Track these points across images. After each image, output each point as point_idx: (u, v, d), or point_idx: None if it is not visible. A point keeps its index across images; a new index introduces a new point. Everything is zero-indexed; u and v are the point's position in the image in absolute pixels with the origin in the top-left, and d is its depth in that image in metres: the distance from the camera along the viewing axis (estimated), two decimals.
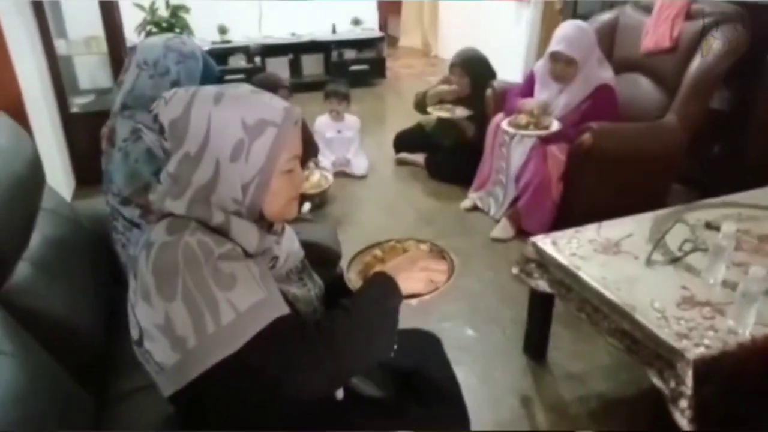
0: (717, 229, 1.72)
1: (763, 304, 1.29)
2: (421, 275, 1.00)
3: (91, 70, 3.76)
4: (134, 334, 0.87)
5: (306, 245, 1.15)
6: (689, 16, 2.70)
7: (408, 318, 2.09)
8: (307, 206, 2.98)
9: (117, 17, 3.26)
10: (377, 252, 1.16)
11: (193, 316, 0.80)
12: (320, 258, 1.46)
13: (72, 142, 3.26)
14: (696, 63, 2.60)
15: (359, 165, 3.54)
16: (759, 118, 2.72)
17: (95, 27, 3.24)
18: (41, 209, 1.39)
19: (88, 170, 3.25)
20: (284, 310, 0.86)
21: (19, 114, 2.46)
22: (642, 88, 2.88)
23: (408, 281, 0.98)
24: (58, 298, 1.24)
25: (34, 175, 1.40)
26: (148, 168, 1.34)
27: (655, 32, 2.80)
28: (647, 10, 2.91)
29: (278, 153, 0.89)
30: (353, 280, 1.08)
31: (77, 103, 3.40)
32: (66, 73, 3.32)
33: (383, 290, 0.95)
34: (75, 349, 1.20)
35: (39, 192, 1.43)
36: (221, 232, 0.87)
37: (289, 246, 1.04)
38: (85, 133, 3.19)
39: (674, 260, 1.60)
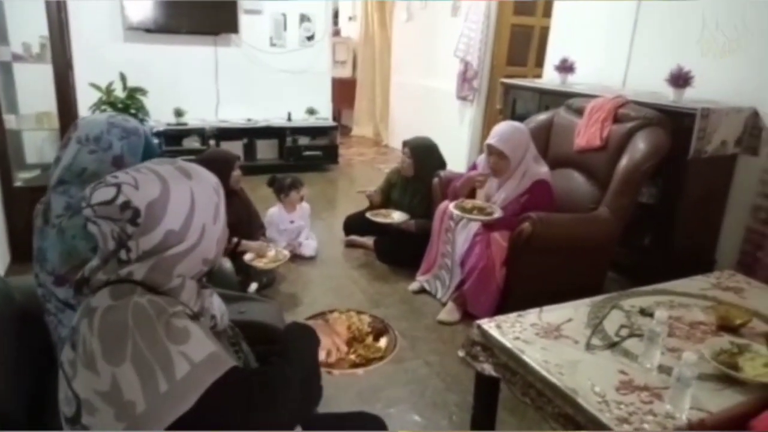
0: (651, 315, 1.81)
1: (696, 389, 1.34)
2: (333, 328, 1.14)
3: (39, 145, 3.72)
4: (68, 411, 0.82)
5: (250, 325, 1.15)
6: (617, 119, 2.96)
7: (353, 402, 2.05)
8: (253, 286, 2.95)
9: (72, 95, 3.29)
10: (320, 321, 1.20)
11: (143, 378, 0.77)
12: (264, 337, 1.43)
13: (11, 216, 3.16)
14: (624, 161, 2.82)
15: (309, 246, 3.57)
16: (682, 213, 2.95)
17: (48, 103, 3.24)
18: None
19: (24, 245, 3.11)
20: (233, 363, 0.86)
21: None
22: (576, 182, 3.09)
23: (324, 335, 1.08)
24: None
25: None
26: (86, 244, 1.30)
27: (586, 132, 3.04)
28: (578, 112, 3.17)
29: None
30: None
31: (21, 178, 3.33)
32: (13, 147, 3.27)
33: (303, 332, 1.06)
34: None
35: None
36: (171, 296, 0.89)
37: (219, 303, 1.09)
38: (26, 208, 3.05)
39: (612, 345, 1.66)
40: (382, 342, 1.22)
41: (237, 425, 0.80)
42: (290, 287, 3.15)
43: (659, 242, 3.05)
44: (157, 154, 1.50)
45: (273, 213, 3.58)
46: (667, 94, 3.07)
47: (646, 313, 1.86)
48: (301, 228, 3.62)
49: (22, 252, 3.13)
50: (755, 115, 2.92)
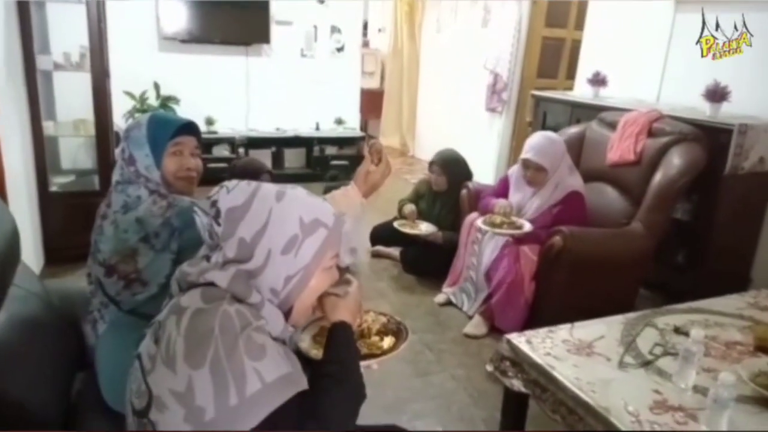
0: (685, 334, 1.77)
1: (733, 411, 1.30)
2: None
3: (75, 152, 3.80)
4: (137, 403, 0.85)
5: None
6: (651, 133, 2.91)
7: (379, 415, 2.03)
8: None
9: (107, 103, 3.36)
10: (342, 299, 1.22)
11: (217, 387, 0.79)
12: None
13: (46, 220, 3.23)
14: (658, 176, 2.77)
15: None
16: (717, 230, 2.88)
17: (85, 110, 3.33)
18: (12, 285, 1.36)
19: (58, 249, 3.20)
20: (305, 386, 0.88)
21: None
22: (608, 196, 3.04)
23: (348, 312, 1.10)
24: (16, 379, 1.18)
25: (10, 251, 1.38)
26: (136, 236, 1.36)
27: (620, 146, 3.00)
28: (611, 126, 3.13)
29: (325, 252, 0.98)
30: (305, 340, 1.19)
31: (57, 183, 3.41)
32: (50, 152, 3.36)
33: (351, 342, 1.06)
34: None
35: (13, 268, 1.41)
36: (255, 309, 0.91)
37: (292, 341, 1.12)
38: (60, 212, 3.18)
39: (645, 363, 1.62)
40: (386, 341, 1.23)
41: None
42: None
43: (693, 259, 2.98)
44: (175, 126, 1.45)
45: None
46: (702, 109, 3.01)
47: (680, 331, 1.81)
48: None
49: (56, 255, 3.20)
50: None
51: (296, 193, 0.99)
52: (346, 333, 1.06)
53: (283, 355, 0.88)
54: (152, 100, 4.74)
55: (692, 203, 2.95)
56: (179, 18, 5.00)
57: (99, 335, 1.40)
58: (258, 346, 0.83)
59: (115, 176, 1.45)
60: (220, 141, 5.26)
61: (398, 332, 1.23)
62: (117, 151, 1.51)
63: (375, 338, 1.23)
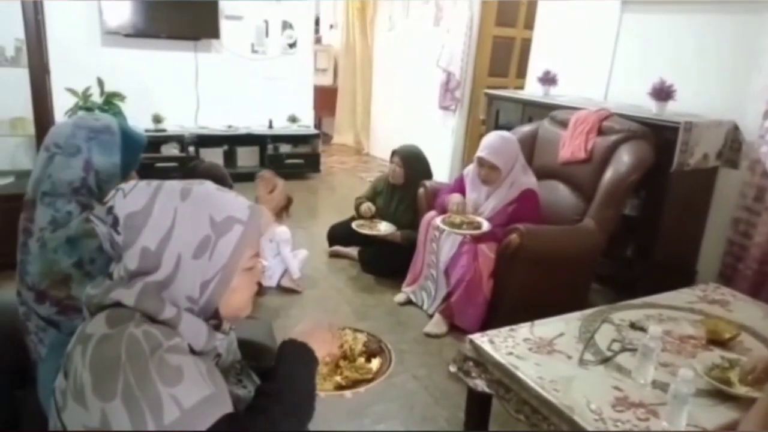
0: (641, 329, 1.83)
1: (693, 406, 1.34)
2: (333, 338, 1.09)
3: (13, 152, 3.60)
4: None
5: (239, 343, 1.10)
6: (601, 132, 2.99)
7: (341, 419, 2.00)
8: None
9: (48, 100, 3.19)
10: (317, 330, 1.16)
11: (133, 418, 0.73)
12: (254, 356, 1.39)
13: None
14: (609, 174, 2.84)
15: (294, 269, 3.26)
16: (664, 225, 2.98)
17: (24, 108, 3.14)
18: None
19: None
20: (230, 408, 0.82)
21: None
22: (561, 193, 3.10)
23: (321, 343, 1.03)
24: None
25: None
26: (68, 259, 1.24)
27: (571, 144, 3.06)
28: (563, 124, 3.20)
29: (243, 250, 0.90)
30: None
31: None
32: None
33: (301, 360, 0.99)
34: None
35: None
36: (169, 326, 0.83)
37: (230, 342, 1.01)
38: None
39: (605, 360, 1.65)
40: (374, 363, 1.19)
41: None
42: (273, 300, 3.09)
43: (641, 253, 3.08)
44: (143, 145, 1.41)
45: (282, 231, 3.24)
46: (649, 107, 3.11)
47: (636, 327, 1.87)
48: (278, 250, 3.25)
49: None
50: (735, 128, 2.98)
51: (204, 188, 0.90)
52: (295, 349, 1.00)
53: (205, 375, 0.81)
54: (96, 97, 4.52)
55: (640, 199, 3.04)
56: (123, 11, 4.79)
57: (41, 359, 1.29)
58: (173, 368, 0.77)
59: (44, 186, 1.29)
60: (169, 139, 5.08)
61: (381, 351, 1.19)
62: (45, 156, 1.32)
63: (361, 360, 1.18)
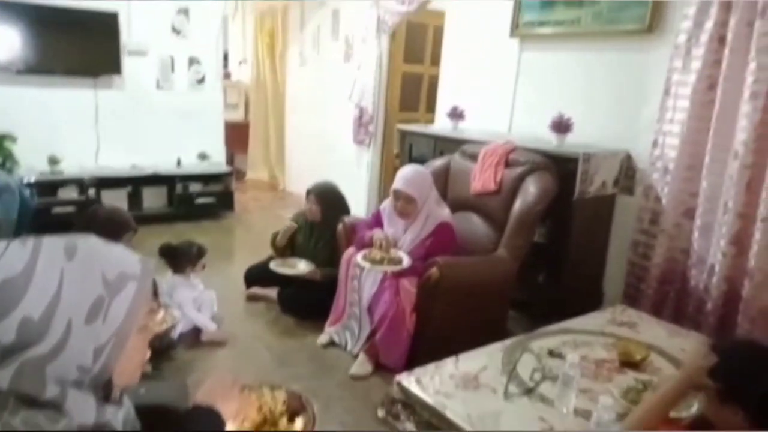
0: (559, 356, 1.89)
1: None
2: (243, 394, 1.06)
3: None
4: None
5: (151, 409, 1.02)
6: (508, 164, 3.13)
7: None
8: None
9: None
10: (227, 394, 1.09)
11: None
12: (166, 424, 1.28)
13: None
14: (518, 204, 2.97)
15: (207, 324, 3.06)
16: (571, 250, 3.15)
17: None
18: None
19: None
20: None
21: None
22: (475, 224, 3.19)
23: (230, 402, 1.00)
24: None
25: None
26: None
27: (481, 177, 3.18)
28: (473, 157, 3.32)
29: (138, 309, 0.83)
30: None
31: None
32: None
33: (205, 421, 0.96)
34: None
35: None
36: (53, 407, 0.73)
37: (126, 413, 0.91)
38: None
39: (528, 391, 1.69)
40: (298, 423, 1.14)
41: None
42: (185, 351, 2.89)
43: (552, 278, 3.22)
44: (32, 208, 1.31)
45: (178, 282, 3.04)
46: (549, 139, 3.30)
47: (554, 354, 1.93)
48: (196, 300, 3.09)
49: None
50: (628, 157, 3.22)
51: (90, 243, 0.83)
52: (200, 418, 0.95)
53: None
54: None
55: (546, 227, 3.20)
56: (13, 45, 4.46)
57: None
58: None
59: None
60: (66, 182, 4.73)
61: (303, 408, 1.14)
62: None
63: (283, 420, 1.12)
